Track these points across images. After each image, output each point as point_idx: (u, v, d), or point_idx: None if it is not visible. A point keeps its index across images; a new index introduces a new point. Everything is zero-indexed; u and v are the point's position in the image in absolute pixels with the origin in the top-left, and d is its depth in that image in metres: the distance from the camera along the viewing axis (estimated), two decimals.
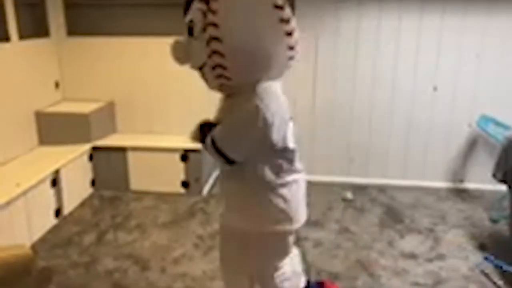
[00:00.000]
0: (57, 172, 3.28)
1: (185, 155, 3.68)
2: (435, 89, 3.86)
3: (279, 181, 1.62)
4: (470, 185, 4.00)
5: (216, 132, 1.55)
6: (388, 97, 3.92)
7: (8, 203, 2.74)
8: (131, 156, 3.77)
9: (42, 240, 3.05)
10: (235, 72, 1.47)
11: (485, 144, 3.89)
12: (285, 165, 1.63)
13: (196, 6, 1.48)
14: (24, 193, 2.90)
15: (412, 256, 2.91)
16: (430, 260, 2.86)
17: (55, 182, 3.26)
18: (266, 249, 1.73)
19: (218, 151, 1.54)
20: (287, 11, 1.51)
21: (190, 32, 1.50)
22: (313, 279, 2.64)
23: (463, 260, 2.86)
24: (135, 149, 3.77)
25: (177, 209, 3.51)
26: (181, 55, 1.56)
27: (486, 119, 3.67)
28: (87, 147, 3.72)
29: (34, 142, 3.70)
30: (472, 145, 3.96)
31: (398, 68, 3.86)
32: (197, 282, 2.60)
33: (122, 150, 3.77)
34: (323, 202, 3.66)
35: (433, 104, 3.89)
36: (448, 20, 3.71)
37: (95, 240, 3.07)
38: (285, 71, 1.61)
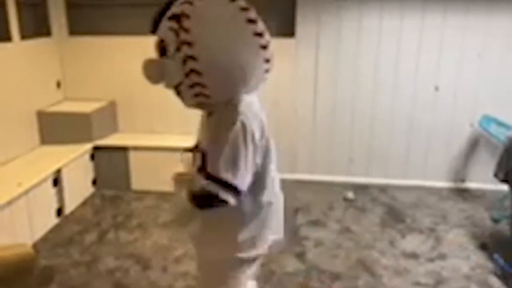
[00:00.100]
0: (58, 171, 3.29)
1: None
2: (436, 88, 3.86)
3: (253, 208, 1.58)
4: (471, 184, 4.00)
5: (209, 167, 1.46)
6: (389, 97, 3.92)
7: (10, 203, 2.75)
8: (132, 155, 3.77)
9: (44, 239, 3.05)
10: (214, 89, 1.45)
11: (486, 144, 3.88)
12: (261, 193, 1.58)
13: (167, 24, 1.44)
14: (26, 192, 2.91)
15: (414, 255, 2.91)
16: (431, 260, 2.86)
17: (56, 182, 3.27)
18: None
19: (222, 186, 1.44)
20: (260, 25, 1.48)
21: (163, 51, 1.47)
22: (314, 278, 2.65)
23: (464, 259, 2.86)
24: (137, 148, 3.77)
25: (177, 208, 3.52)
26: (154, 74, 1.51)
27: (488, 119, 3.67)
28: (88, 146, 3.72)
29: (36, 141, 3.70)
30: (473, 145, 3.96)
31: (399, 68, 3.85)
32: None
33: (124, 149, 3.77)
34: (324, 201, 3.66)
35: (435, 103, 3.89)
36: (450, 20, 3.71)
37: (97, 240, 3.08)
38: (261, 83, 1.60)
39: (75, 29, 4.01)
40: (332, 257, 2.88)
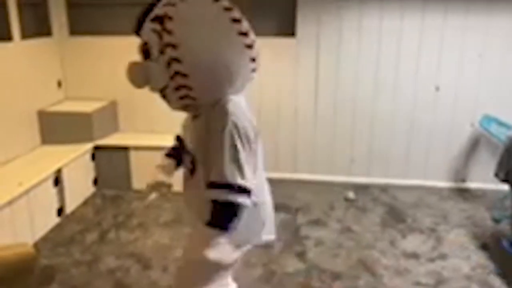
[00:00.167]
0: (59, 171, 3.29)
1: None
2: (437, 88, 3.85)
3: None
4: (472, 184, 4.00)
5: (214, 176, 1.42)
6: (390, 97, 3.92)
7: (11, 202, 2.75)
8: (133, 155, 3.78)
9: (45, 239, 3.06)
10: (200, 91, 1.42)
11: (487, 144, 3.88)
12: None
13: (149, 26, 1.42)
14: (27, 192, 2.91)
15: (414, 255, 2.91)
16: (432, 260, 2.86)
17: (57, 181, 3.27)
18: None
19: (235, 190, 1.40)
20: (245, 24, 1.46)
21: (146, 54, 1.45)
22: (315, 278, 2.65)
23: (465, 259, 2.86)
24: (137, 148, 3.78)
25: (179, 208, 3.51)
26: (138, 78, 1.49)
27: (488, 118, 3.66)
28: (89, 146, 3.72)
29: (37, 141, 3.70)
30: (474, 144, 3.96)
31: (400, 68, 3.85)
32: None
33: (124, 149, 3.77)
34: (325, 201, 3.66)
35: (435, 103, 3.89)
36: (450, 20, 3.71)
37: (98, 239, 3.08)
38: (248, 83, 1.56)
39: (75, 29, 4.02)
40: (332, 257, 2.88)
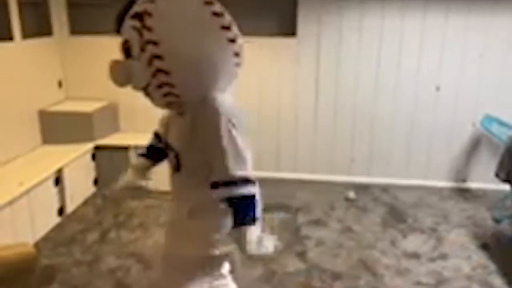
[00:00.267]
0: (60, 171, 3.29)
1: None
2: (438, 88, 3.85)
3: None
4: (473, 184, 3.99)
5: (220, 176, 1.40)
6: (390, 96, 3.91)
7: (11, 202, 2.75)
8: (133, 155, 3.77)
9: (45, 238, 3.06)
10: (183, 88, 1.40)
11: (488, 144, 3.88)
12: None
13: (129, 24, 1.40)
14: (27, 192, 2.91)
15: (415, 255, 2.90)
16: (432, 260, 2.86)
17: (58, 181, 3.27)
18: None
19: (246, 183, 1.39)
20: (227, 18, 1.43)
21: (127, 52, 1.42)
22: (316, 278, 2.65)
23: (465, 259, 2.86)
24: (138, 148, 3.77)
25: None
26: (120, 77, 1.46)
27: (489, 118, 3.66)
28: (90, 146, 3.72)
29: (37, 141, 3.70)
30: (475, 144, 3.95)
31: (401, 68, 3.85)
32: None
33: (125, 149, 3.77)
34: (326, 201, 3.66)
35: (436, 103, 3.88)
36: (451, 20, 3.70)
37: (98, 239, 3.08)
38: (233, 79, 1.52)
39: (76, 29, 4.02)
40: (333, 257, 2.88)
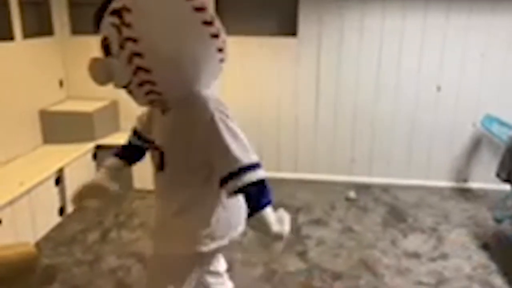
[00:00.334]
0: (61, 170, 3.29)
1: None
2: (438, 88, 3.85)
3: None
4: (473, 184, 3.99)
5: (228, 168, 1.36)
6: (391, 96, 3.91)
7: (12, 202, 2.75)
8: None
9: (46, 238, 3.06)
10: (165, 86, 1.37)
11: (489, 144, 3.87)
12: None
13: (108, 20, 1.37)
14: (28, 191, 2.91)
15: (416, 255, 2.91)
16: (433, 260, 2.86)
17: (58, 181, 3.27)
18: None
19: (254, 168, 1.37)
20: (210, 13, 1.39)
21: (107, 50, 1.40)
22: (316, 278, 2.65)
23: (466, 259, 2.86)
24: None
25: None
26: (100, 75, 1.44)
27: (490, 118, 3.66)
28: (91, 145, 3.72)
29: (38, 140, 3.71)
30: (476, 144, 3.95)
31: (401, 67, 3.85)
32: None
33: None
34: (326, 201, 3.66)
35: (437, 103, 3.88)
36: (453, 19, 3.70)
37: (99, 238, 3.08)
38: (217, 75, 1.50)
39: (77, 28, 4.01)
40: (334, 257, 2.88)
